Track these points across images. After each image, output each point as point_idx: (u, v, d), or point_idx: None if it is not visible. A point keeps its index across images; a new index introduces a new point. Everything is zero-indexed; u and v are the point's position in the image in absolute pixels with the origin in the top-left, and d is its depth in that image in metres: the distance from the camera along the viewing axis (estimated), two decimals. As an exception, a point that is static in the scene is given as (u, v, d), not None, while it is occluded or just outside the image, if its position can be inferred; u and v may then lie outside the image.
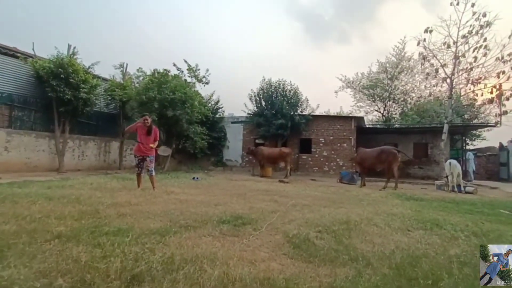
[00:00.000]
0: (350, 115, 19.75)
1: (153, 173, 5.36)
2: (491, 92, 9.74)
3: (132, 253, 1.93)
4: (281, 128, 13.41)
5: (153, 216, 3.13)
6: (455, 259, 2.12)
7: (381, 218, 3.62)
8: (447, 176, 8.48)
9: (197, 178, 8.32)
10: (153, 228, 2.61)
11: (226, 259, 1.93)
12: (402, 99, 20.24)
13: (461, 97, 13.13)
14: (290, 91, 14.28)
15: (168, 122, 11.03)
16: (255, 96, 14.72)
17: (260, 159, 11.14)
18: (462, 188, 8.15)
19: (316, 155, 14.28)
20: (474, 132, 18.89)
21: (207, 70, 12.78)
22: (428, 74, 11.97)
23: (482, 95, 10.31)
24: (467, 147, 18.18)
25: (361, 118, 15.21)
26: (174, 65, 12.21)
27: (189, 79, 12.45)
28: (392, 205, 4.86)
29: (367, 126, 16.80)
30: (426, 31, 10.58)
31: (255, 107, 14.76)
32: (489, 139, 19.55)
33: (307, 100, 14.48)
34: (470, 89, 10.67)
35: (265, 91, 14.38)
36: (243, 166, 15.69)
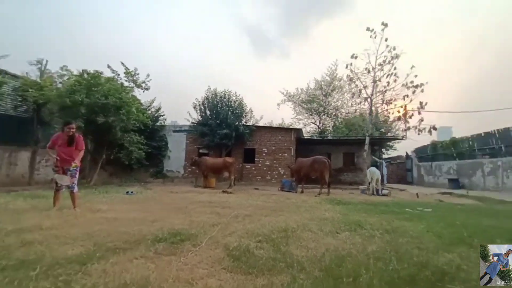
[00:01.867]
0: (291, 127, 21.19)
1: (76, 189, 4.58)
2: (399, 112, 11.86)
3: (39, 289, 1.61)
4: (226, 138, 13.44)
5: (72, 240, 2.69)
6: (372, 255, 2.44)
7: (315, 223, 3.92)
8: (370, 182, 9.83)
9: (132, 192, 7.56)
10: (71, 256, 2.24)
11: (160, 282, 1.79)
12: (334, 113, 22.81)
13: (379, 114, 15.59)
14: (235, 101, 14.52)
15: (98, 129, 9.81)
16: (199, 105, 14.47)
17: (204, 169, 10.86)
18: (380, 192, 9.55)
19: (259, 165, 14.73)
20: (388, 143, 22.54)
21: (148, 75, 12.00)
22: (353, 93, 13.88)
23: (393, 113, 12.48)
24: (383, 156, 21.49)
25: (300, 130, 16.46)
26: (109, 67, 11.08)
27: (126, 84, 11.41)
28: (324, 210, 5.33)
29: (305, 137, 18.25)
30: (352, 56, 12.33)
31: (200, 116, 14.49)
32: (399, 149, 23.60)
33: (251, 111, 14.97)
34: (384, 108, 12.82)
35: (210, 100, 14.28)
36: (185, 177, 15.02)
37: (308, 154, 12.77)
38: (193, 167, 13.34)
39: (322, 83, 22.05)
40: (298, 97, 23.17)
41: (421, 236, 3.25)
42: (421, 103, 11.28)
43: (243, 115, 14.64)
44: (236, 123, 13.94)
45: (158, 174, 14.99)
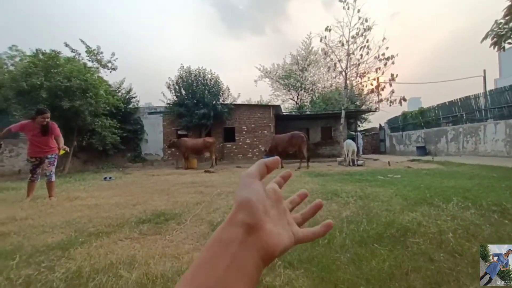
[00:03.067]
0: (269, 103, 21.17)
1: (53, 178, 4.37)
2: (372, 84, 12.22)
3: (22, 277, 1.60)
4: (204, 117, 13.19)
5: (51, 229, 2.64)
6: (346, 219, 2.67)
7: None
8: (346, 154, 10.32)
9: (110, 177, 7.35)
10: (51, 243, 2.21)
11: (146, 259, 1.84)
12: (311, 88, 23.00)
13: (353, 88, 15.98)
14: (211, 80, 14.07)
15: (65, 115, 9.16)
16: (173, 84, 13.85)
17: (184, 150, 10.73)
18: (356, 162, 10.10)
19: (240, 143, 14.80)
20: (362, 116, 23.42)
21: (113, 54, 11.14)
22: (329, 67, 13.98)
23: (366, 86, 12.84)
24: (358, 128, 22.41)
25: (279, 107, 16.53)
26: (67, 45, 10.10)
27: (90, 64, 10.55)
28: (304, 182, 5.60)
29: (284, 113, 18.40)
30: (326, 29, 12.22)
31: (175, 97, 13.95)
32: (373, 121, 24.69)
33: (228, 89, 14.64)
34: (359, 81, 13.12)
35: (185, 79, 13.71)
36: (166, 160, 14.78)
37: (287, 130, 12.99)
38: (172, 149, 13.12)
39: (298, 57, 21.90)
40: (275, 73, 22.94)
41: (390, 200, 3.56)
42: (392, 75, 11.70)
43: (220, 94, 14.30)
44: (214, 102, 13.64)
45: (136, 158, 14.58)
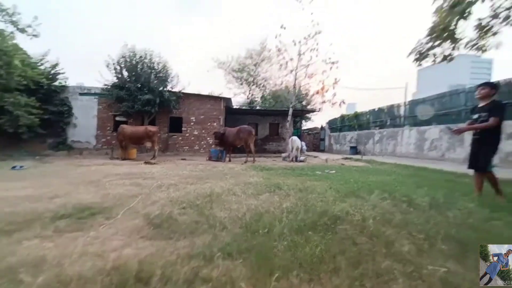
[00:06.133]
0: (221, 95, 20.79)
1: None
2: (318, 85, 13.15)
3: None
4: (148, 104, 12.15)
5: None
6: (285, 210, 2.79)
7: (239, 188, 4.15)
8: (291, 150, 10.88)
9: (21, 166, 6.15)
10: None
11: (60, 260, 1.57)
12: (262, 84, 23.49)
13: (301, 87, 16.93)
14: (158, 63, 12.99)
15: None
16: (114, 64, 12.29)
17: (122, 139, 9.70)
18: (298, 158, 10.76)
19: (187, 134, 14.18)
20: (307, 115, 25.08)
21: (36, 17, 9.25)
22: (281, 65, 14.44)
23: (312, 87, 13.74)
24: (302, 127, 23.94)
25: (230, 100, 16.37)
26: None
27: (1, 25, 8.56)
28: (249, 176, 5.68)
29: (234, 107, 18.34)
30: (281, 27, 12.57)
31: (115, 78, 12.43)
32: (315, 121, 26.70)
33: (178, 76, 13.77)
34: (307, 81, 13.94)
35: (128, 59, 12.31)
36: (99, 149, 13.16)
37: (237, 123, 12.98)
38: (108, 137, 11.72)
39: (253, 52, 22.05)
40: (229, 64, 22.64)
41: (325, 192, 3.88)
42: (335, 79, 12.82)
43: (169, 80, 13.34)
44: (161, 89, 12.65)
45: (60, 146, 12.54)
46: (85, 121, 13.24)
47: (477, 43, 4.90)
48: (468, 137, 3.61)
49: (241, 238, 2.01)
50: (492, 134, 3.20)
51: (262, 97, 23.40)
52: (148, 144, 9.94)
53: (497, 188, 3.29)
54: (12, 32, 9.08)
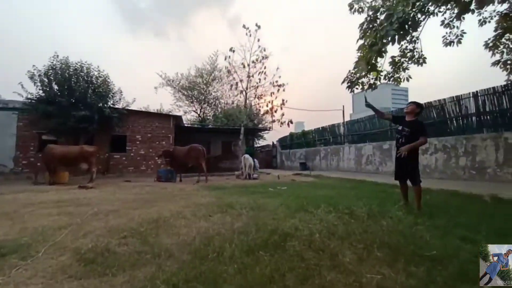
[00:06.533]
0: (170, 113, 20.00)
1: None
2: (267, 106, 13.77)
3: None
4: (85, 121, 10.88)
5: None
6: (237, 230, 2.75)
7: (189, 210, 3.94)
8: (243, 168, 10.93)
9: None
10: None
11: None
12: (214, 103, 23.50)
13: (252, 107, 17.49)
14: (98, 77, 11.91)
15: None
16: (41, 76, 10.79)
17: (49, 161, 8.38)
18: (252, 176, 10.85)
19: (132, 154, 13.08)
20: (259, 133, 25.83)
21: None
22: (231, 85, 14.77)
23: (262, 107, 14.33)
24: (255, 145, 24.49)
25: (180, 117, 15.86)
26: None
27: None
28: (201, 196, 5.47)
29: (185, 125, 17.80)
30: (230, 49, 13.00)
31: (41, 91, 10.87)
32: (267, 139, 27.62)
33: (121, 92, 12.78)
34: (257, 102, 14.49)
35: (59, 72, 10.97)
36: (18, 173, 11.09)
37: (188, 142, 12.54)
38: (32, 159, 9.94)
39: (203, 71, 22.11)
40: (178, 82, 22.14)
41: (276, 209, 3.97)
42: (283, 100, 13.65)
43: (110, 96, 12.26)
44: (100, 105, 11.52)
45: (-37, 170, 10.16)
46: (0, 139, 11.10)
47: (393, 76, 5.88)
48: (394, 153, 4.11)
49: (188, 266, 1.89)
50: (416, 149, 3.69)
51: (214, 115, 23.34)
52: (84, 166, 8.78)
53: (419, 201, 3.67)
54: None
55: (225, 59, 13.20)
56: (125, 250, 2.26)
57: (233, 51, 13.02)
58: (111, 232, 2.82)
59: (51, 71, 10.86)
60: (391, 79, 5.91)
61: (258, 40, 13.17)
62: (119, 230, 2.87)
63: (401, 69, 5.87)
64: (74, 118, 10.59)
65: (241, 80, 13.79)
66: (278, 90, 13.37)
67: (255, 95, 14.09)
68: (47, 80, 10.79)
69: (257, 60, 13.39)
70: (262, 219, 3.29)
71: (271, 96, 13.61)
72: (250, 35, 13.09)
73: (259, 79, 13.52)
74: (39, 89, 10.81)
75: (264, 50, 13.25)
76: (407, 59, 5.85)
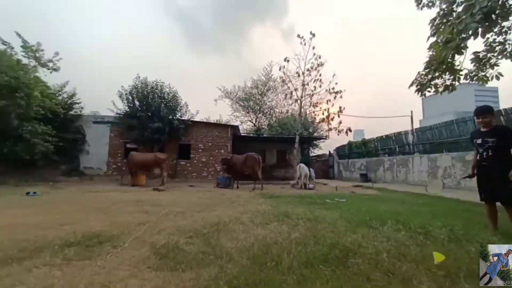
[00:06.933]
0: (228, 123, 21.28)
1: None
2: (323, 114, 13.35)
3: None
4: (158, 132, 12.53)
5: None
6: (294, 241, 2.71)
7: (247, 216, 4.07)
8: (299, 177, 10.76)
9: (34, 192, 6.27)
10: None
11: (66, 291, 1.56)
12: (269, 113, 24.00)
13: (307, 115, 17.22)
14: (168, 93, 13.64)
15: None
16: (126, 94, 12.99)
17: (131, 165, 9.88)
18: (308, 186, 10.58)
19: (195, 161, 14.32)
20: (314, 142, 25.10)
21: (57, 53, 10.07)
22: (286, 94, 14.89)
23: (318, 115, 13.96)
24: (310, 154, 23.83)
25: (237, 127, 16.71)
26: (-4, 36, 8.83)
27: (25, 61, 9.31)
28: (257, 204, 5.59)
29: (242, 134, 18.64)
30: (285, 59, 13.19)
31: (127, 107, 13.05)
32: (323, 148, 26.60)
33: (187, 105, 14.34)
34: (312, 110, 14.22)
35: (140, 90, 13.01)
36: (109, 175, 13.36)
37: (244, 150, 13.08)
38: (119, 164, 11.93)
39: (258, 82, 22.91)
40: (235, 94, 23.47)
41: (335, 222, 3.76)
42: (340, 107, 13.03)
43: (178, 109, 13.89)
44: (170, 117, 13.13)
45: (72, 172, 12.83)
46: (97, 148, 13.65)
47: (477, 74, 4.99)
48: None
49: (248, 271, 1.95)
50: (507, 161, 2.99)
51: (269, 124, 23.78)
52: (157, 171, 10.06)
53: None
54: (34, 66, 9.87)
55: (280, 69, 13.45)
56: (191, 249, 2.47)
57: (288, 61, 13.18)
58: (179, 231, 3.13)
59: (133, 90, 12.97)
60: (475, 78, 5.01)
61: (313, 48, 13.04)
62: (185, 230, 3.16)
63: (487, 66, 4.93)
64: (150, 129, 12.31)
65: (295, 89, 13.79)
66: (335, 97, 12.86)
67: (310, 103, 13.87)
68: (131, 98, 12.91)
69: (312, 68, 13.23)
70: (320, 231, 3.16)
71: (327, 103, 13.18)
72: (305, 44, 13.07)
73: (314, 87, 13.30)
74: (125, 106, 12.99)
75: (320, 58, 13.02)
76: (495, 54, 4.89)
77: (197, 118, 15.25)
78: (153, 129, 12.36)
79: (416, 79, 5.46)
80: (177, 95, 13.93)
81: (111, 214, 4.09)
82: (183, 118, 13.90)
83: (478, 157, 3.28)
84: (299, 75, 13.40)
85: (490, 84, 5.25)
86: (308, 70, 13.28)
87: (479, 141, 3.20)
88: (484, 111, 3.17)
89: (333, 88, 12.97)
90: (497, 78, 5.13)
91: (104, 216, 3.92)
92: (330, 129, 13.91)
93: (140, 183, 10.22)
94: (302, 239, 2.78)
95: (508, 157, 3.02)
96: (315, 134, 22.12)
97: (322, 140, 21.85)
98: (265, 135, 20.99)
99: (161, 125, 12.46)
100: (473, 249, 2.45)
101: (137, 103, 13.04)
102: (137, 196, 6.45)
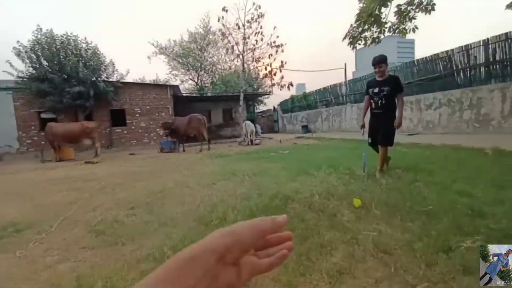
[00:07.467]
0: (166, 83, 19.47)
1: None
2: (266, 69, 13.23)
3: None
4: (81, 97, 10.70)
5: None
6: (240, 196, 2.83)
7: (193, 179, 4.04)
8: (245, 134, 10.94)
9: None
10: None
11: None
12: (211, 69, 22.64)
13: (251, 71, 16.84)
14: (86, 50, 11.38)
15: None
16: (27, 52, 10.32)
17: (52, 138, 8.44)
18: (254, 142, 10.91)
19: (133, 127, 13.08)
20: (259, 98, 25.34)
21: None
22: (227, 49, 14.05)
23: (261, 71, 13.79)
24: (256, 110, 24.19)
25: (177, 87, 15.47)
26: None
27: None
28: (204, 165, 5.57)
29: (183, 94, 17.44)
30: (223, 9, 12.05)
31: (31, 68, 10.51)
32: (268, 103, 27.18)
33: (113, 64, 12.31)
34: (255, 65, 13.90)
35: (46, 46, 10.46)
36: (25, 152, 11.30)
37: (188, 112, 12.39)
38: (35, 138, 10.03)
39: (197, 36, 20.88)
40: (171, 50, 21.10)
41: (278, 173, 4.04)
42: (282, 62, 13.06)
43: (102, 69, 11.84)
44: (93, 79, 11.19)
45: (-30, 153, 10.36)
46: (1, 120, 11.09)
47: (398, 27, 5.46)
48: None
49: (194, 232, 1.98)
50: (393, 108, 3.37)
51: (212, 82, 22.67)
52: (88, 142, 8.86)
53: (383, 163, 3.42)
54: None
55: (218, 20, 12.33)
56: (133, 221, 2.37)
57: (226, 11, 12.09)
58: (119, 204, 2.93)
59: (37, 46, 10.36)
60: (397, 31, 5.49)
61: (252, -4, 12.13)
62: (126, 202, 2.98)
63: (407, 19, 5.41)
64: (69, 94, 10.40)
65: (236, 43, 13.06)
66: (277, 51, 12.71)
67: (253, 58, 13.48)
68: (35, 56, 10.36)
69: (252, 19, 12.50)
70: (264, 184, 3.37)
71: (269, 58, 13.01)
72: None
73: (256, 41, 12.80)
74: (29, 66, 10.44)
75: (259, 8, 12.29)
76: (414, 7, 5.36)
77: (129, 79, 13.43)
78: (74, 94, 10.46)
79: (349, 31, 5.68)
80: (98, 52, 11.72)
81: (31, 197, 3.54)
82: (110, 80, 12.03)
83: (373, 105, 3.51)
84: (239, 28, 12.59)
85: (409, 36, 5.85)
86: (248, 22, 12.52)
87: (376, 90, 3.44)
88: (381, 61, 3.39)
89: (274, 42, 12.70)
90: (413, 31, 5.71)
91: (21, 200, 3.37)
92: (273, 85, 14.04)
93: (68, 157, 8.98)
94: (247, 194, 2.92)
95: (394, 104, 3.40)
96: (260, 90, 22.20)
97: (266, 96, 22.16)
98: (208, 94, 20.10)
99: (83, 89, 10.59)
100: (384, 182, 2.97)
101: (44, 62, 10.57)
102: (65, 173, 5.69)
